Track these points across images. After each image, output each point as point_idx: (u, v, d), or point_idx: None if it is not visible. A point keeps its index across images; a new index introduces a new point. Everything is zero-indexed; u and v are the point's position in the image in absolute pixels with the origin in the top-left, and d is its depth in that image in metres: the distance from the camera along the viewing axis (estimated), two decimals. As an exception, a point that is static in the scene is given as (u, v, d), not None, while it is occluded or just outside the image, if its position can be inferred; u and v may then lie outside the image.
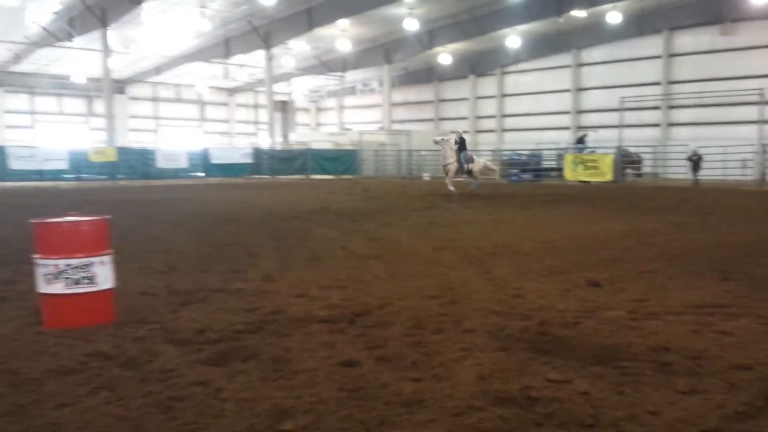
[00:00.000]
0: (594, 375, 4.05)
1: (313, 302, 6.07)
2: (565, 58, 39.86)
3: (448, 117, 47.09)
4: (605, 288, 6.63)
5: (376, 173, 37.98)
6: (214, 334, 4.99)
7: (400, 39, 40.56)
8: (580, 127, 38.12)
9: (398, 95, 47.41)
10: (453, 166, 20.81)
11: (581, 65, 39.56)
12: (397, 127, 44.55)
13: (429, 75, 47.25)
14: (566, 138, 37.17)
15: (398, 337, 4.88)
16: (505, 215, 14.54)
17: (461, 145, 21.29)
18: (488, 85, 44.52)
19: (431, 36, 39.52)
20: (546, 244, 9.85)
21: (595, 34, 37.37)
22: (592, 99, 38.99)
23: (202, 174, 35.14)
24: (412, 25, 35.57)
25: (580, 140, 32.43)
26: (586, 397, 3.68)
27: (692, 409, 3.53)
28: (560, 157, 31.97)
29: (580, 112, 39.77)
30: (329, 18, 35.31)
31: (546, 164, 33.06)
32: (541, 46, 40.08)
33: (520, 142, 39.09)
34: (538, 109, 41.36)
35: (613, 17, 34.07)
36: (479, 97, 45.16)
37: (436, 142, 21.33)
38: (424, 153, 36.14)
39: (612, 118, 34.12)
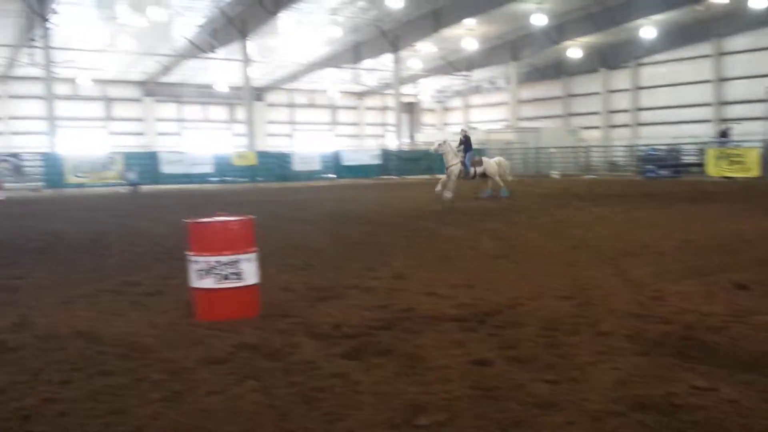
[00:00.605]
0: (743, 383, 3.83)
1: (443, 301, 6.14)
2: (705, 48, 37.61)
3: (578, 113, 45.67)
4: (754, 291, 6.22)
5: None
6: (350, 329, 5.18)
7: (527, 35, 39.71)
8: (723, 120, 35.77)
9: (525, 92, 46.48)
10: (456, 168, 18.78)
11: (723, 54, 37.16)
12: (524, 124, 43.73)
13: (557, 70, 45.92)
14: (707, 131, 34.99)
15: (531, 338, 4.83)
16: (641, 213, 13.93)
17: (467, 144, 19.46)
18: (621, 78, 42.69)
19: (560, 30, 38.44)
20: (687, 243, 9.36)
21: (737, 21, 34.95)
22: (735, 90, 36.57)
23: (334, 175, 36.35)
24: (540, 20, 34.78)
25: (724, 133, 30.49)
26: (735, 406, 3.49)
27: None
28: (701, 152, 30.15)
29: (722, 103, 37.33)
30: (455, 18, 35.33)
31: (685, 159, 31.30)
32: (679, 36, 37.93)
33: (656, 137, 37.12)
34: (676, 102, 39.20)
35: (757, 2, 31.61)
36: (611, 91, 43.41)
37: (435, 150, 19.44)
38: (552, 150, 35.24)
39: (758, 109, 31.89)
